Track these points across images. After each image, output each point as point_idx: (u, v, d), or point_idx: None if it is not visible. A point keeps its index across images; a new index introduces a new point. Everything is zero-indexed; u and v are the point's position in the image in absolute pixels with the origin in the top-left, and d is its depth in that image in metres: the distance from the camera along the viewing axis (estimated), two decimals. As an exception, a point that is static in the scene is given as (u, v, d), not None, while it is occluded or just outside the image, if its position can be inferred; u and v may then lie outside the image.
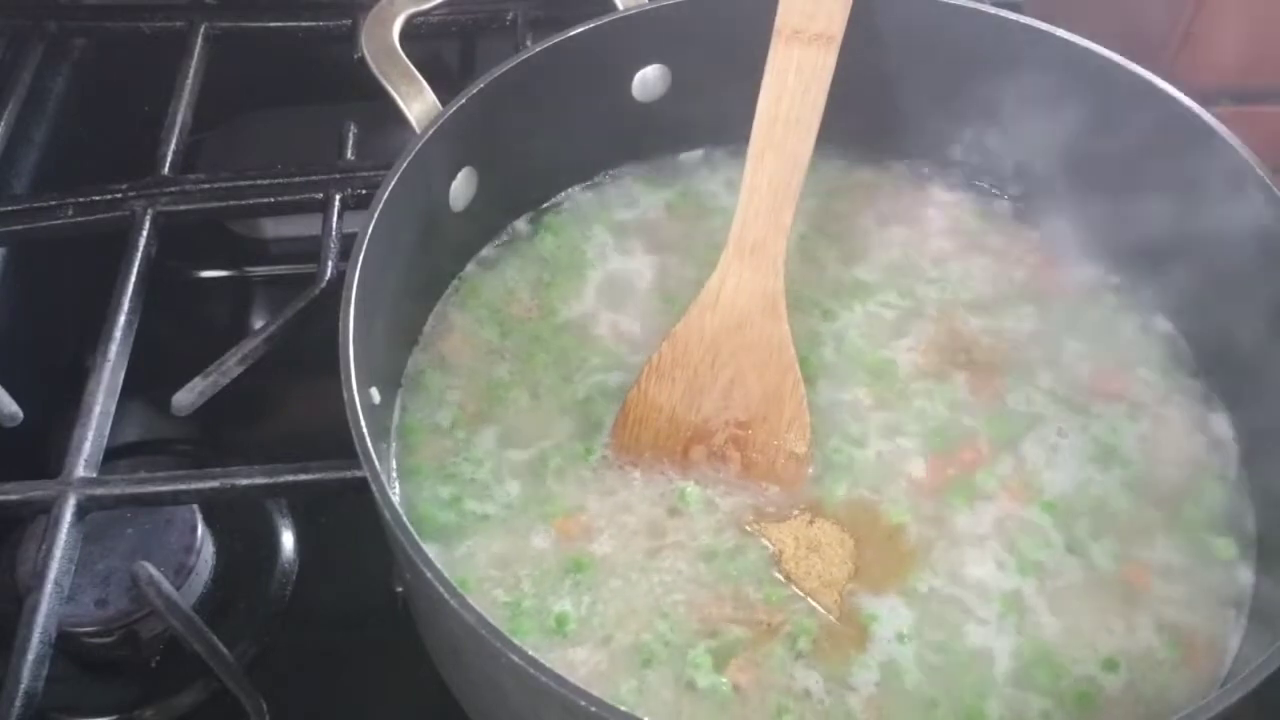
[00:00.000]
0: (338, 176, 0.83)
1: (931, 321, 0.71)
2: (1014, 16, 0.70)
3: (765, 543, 0.62)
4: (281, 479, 0.67)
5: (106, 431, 0.69)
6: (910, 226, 0.76)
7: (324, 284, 0.76)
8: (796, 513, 0.63)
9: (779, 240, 0.65)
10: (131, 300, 0.75)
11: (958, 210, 0.77)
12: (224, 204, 0.83)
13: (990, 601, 0.60)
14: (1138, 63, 0.67)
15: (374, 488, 0.52)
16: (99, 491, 0.66)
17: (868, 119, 0.76)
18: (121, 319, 0.73)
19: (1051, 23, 0.69)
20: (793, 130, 0.66)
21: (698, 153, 0.78)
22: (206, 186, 0.82)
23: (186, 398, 0.69)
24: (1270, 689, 0.49)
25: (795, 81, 0.66)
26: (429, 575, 0.49)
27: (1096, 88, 0.68)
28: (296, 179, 0.83)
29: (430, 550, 0.50)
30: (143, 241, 0.78)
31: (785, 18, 0.67)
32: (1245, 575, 0.62)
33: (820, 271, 0.74)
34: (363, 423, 0.53)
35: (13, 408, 0.71)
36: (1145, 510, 0.64)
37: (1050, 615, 0.60)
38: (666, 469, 0.64)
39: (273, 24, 0.96)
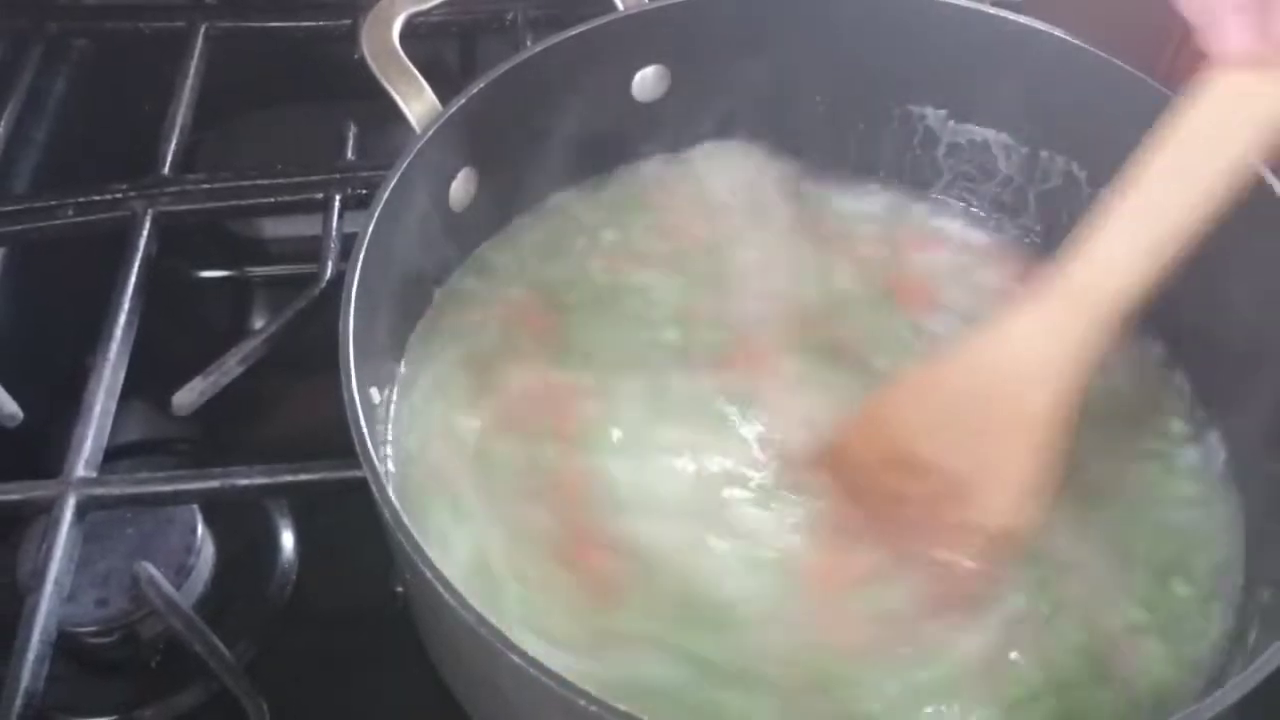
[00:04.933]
0: (338, 176, 0.83)
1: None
2: (1013, 16, 0.70)
3: None
4: (281, 479, 0.67)
5: (107, 431, 0.69)
6: None
7: (324, 284, 0.76)
8: None
9: (1105, 301, 0.53)
10: (131, 300, 0.75)
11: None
12: (224, 204, 0.83)
13: None
14: (1136, 64, 0.67)
15: (374, 488, 0.52)
16: (99, 491, 0.66)
17: (862, 118, 0.77)
18: (121, 319, 0.73)
19: (1050, 23, 0.69)
20: (1194, 180, 0.53)
21: (698, 153, 0.78)
22: (206, 186, 0.82)
23: (187, 397, 0.69)
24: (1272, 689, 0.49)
25: (1227, 118, 0.53)
26: (429, 575, 0.49)
27: (1095, 88, 0.68)
28: (296, 179, 0.83)
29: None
30: (143, 241, 0.78)
31: (1226, 78, 0.54)
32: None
33: None
34: (363, 423, 0.53)
35: (12, 407, 0.71)
36: None
37: None
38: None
39: (273, 24, 0.96)
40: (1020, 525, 0.56)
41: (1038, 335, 0.55)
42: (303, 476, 0.66)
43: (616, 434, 0.65)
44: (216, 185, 0.83)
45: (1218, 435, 0.65)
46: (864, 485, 0.59)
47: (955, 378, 0.58)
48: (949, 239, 0.76)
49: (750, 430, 0.63)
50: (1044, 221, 0.76)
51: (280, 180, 0.83)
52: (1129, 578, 0.60)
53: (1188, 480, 0.64)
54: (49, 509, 0.65)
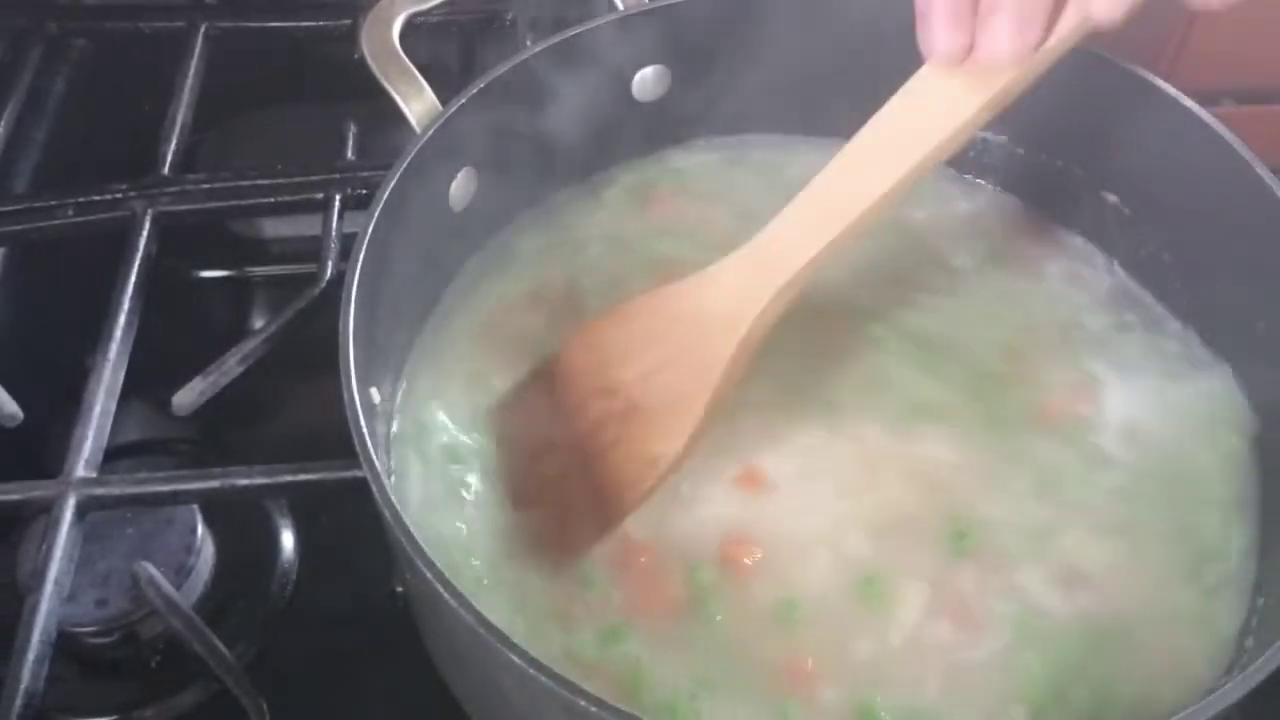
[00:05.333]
0: (338, 176, 0.83)
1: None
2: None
3: None
4: (281, 479, 0.67)
5: (107, 431, 0.69)
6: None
7: (324, 284, 0.76)
8: None
9: (792, 265, 0.59)
10: (131, 300, 0.75)
11: None
12: (224, 204, 0.83)
13: None
14: (1137, 62, 0.67)
15: (374, 488, 0.52)
16: (99, 491, 0.66)
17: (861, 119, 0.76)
18: (121, 319, 0.73)
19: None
20: (886, 161, 0.59)
21: (698, 153, 0.78)
22: (206, 186, 0.82)
23: (187, 397, 0.69)
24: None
25: (923, 114, 0.59)
26: (429, 575, 0.49)
27: (1095, 87, 0.68)
28: (297, 179, 0.83)
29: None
30: (143, 241, 0.78)
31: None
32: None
33: None
34: (363, 423, 0.53)
35: (13, 407, 0.71)
36: None
37: None
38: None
39: (273, 24, 0.96)
40: (675, 454, 0.60)
41: (733, 288, 0.61)
42: (303, 476, 0.66)
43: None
44: (216, 185, 0.83)
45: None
46: (573, 399, 0.64)
47: (661, 312, 0.63)
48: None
49: None
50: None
51: (280, 180, 0.83)
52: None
53: None
54: (49, 509, 0.65)
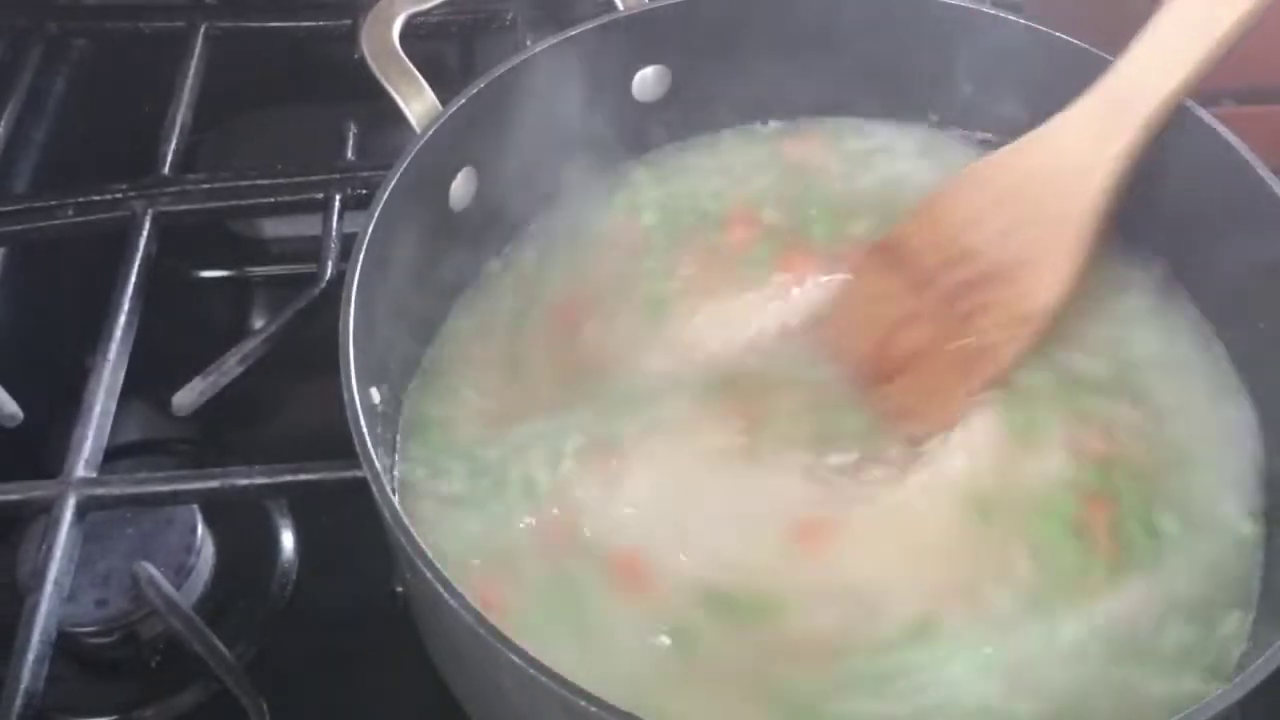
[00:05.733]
0: (338, 176, 0.83)
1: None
2: (1013, 18, 0.70)
3: None
4: (281, 479, 0.67)
5: (106, 431, 0.70)
6: None
7: (324, 284, 0.76)
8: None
9: (1149, 103, 0.57)
10: (131, 300, 0.75)
11: None
12: (224, 204, 0.83)
13: None
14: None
15: (374, 488, 0.52)
16: (99, 491, 0.66)
17: (861, 119, 0.77)
18: (121, 319, 0.73)
19: (1051, 25, 0.69)
20: None
21: (698, 153, 0.78)
22: (206, 186, 0.82)
23: (187, 397, 0.69)
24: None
25: None
26: (429, 575, 0.49)
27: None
28: (297, 179, 0.83)
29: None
30: (143, 241, 0.78)
31: None
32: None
33: None
34: (363, 423, 0.53)
35: (12, 407, 0.71)
36: None
37: None
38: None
39: (273, 24, 0.96)
40: (1054, 304, 0.60)
41: (1087, 132, 0.59)
42: (303, 476, 0.66)
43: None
44: (216, 185, 0.83)
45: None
46: (917, 274, 0.63)
47: (1008, 172, 0.61)
48: None
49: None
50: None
51: (280, 180, 0.83)
52: None
53: None
54: (49, 509, 0.65)
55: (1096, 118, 0.59)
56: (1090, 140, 0.59)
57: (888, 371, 0.63)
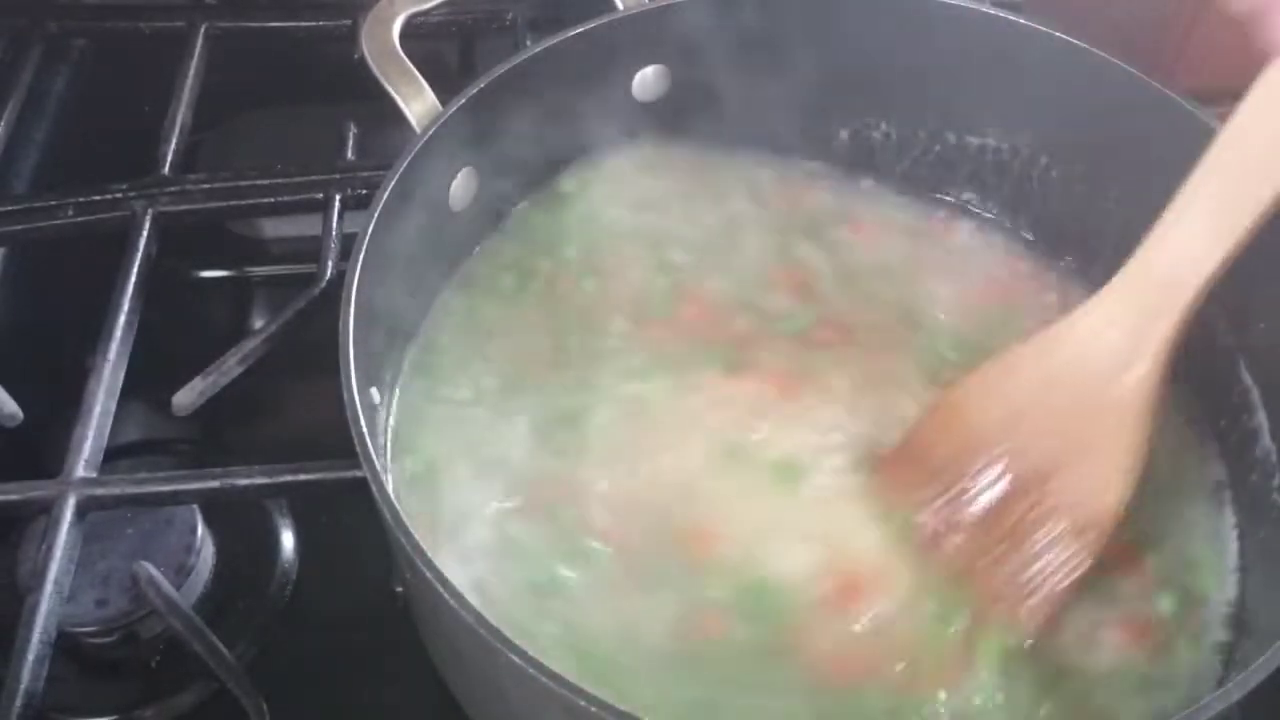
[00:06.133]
0: (338, 176, 0.83)
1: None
2: (1013, 17, 0.70)
3: None
4: (281, 479, 0.67)
5: (106, 431, 0.69)
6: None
7: (324, 284, 0.76)
8: None
9: (1193, 283, 0.53)
10: (131, 300, 0.75)
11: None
12: (224, 204, 0.83)
13: None
14: (1137, 64, 0.67)
15: (374, 488, 0.52)
16: (99, 491, 0.66)
17: (862, 119, 0.77)
18: (121, 319, 0.73)
19: (1050, 24, 0.69)
20: (1266, 167, 0.53)
21: (698, 153, 0.78)
22: (206, 186, 0.82)
23: (187, 397, 0.69)
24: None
25: None
26: (429, 575, 0.49)
27: (1095, 89, 0.68)
28: (296, 179, 0.83)
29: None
30: (143, 241, 0.78)
31: None
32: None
33: None
34: (363, 423, 0.53)
35: (12, 407, 0.71)
36: None
37: None
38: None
39: (273, 24, 0.96)
40: (1117, 503, 0.55)
41: (1123, 323, 0.55)
42: (303, 476, 0.66)
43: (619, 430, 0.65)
44: (216, 185, 0.83)
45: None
46: (937, 497, 0.58)
47: (1035, 367, 0.57)
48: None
49: None
50: (1042, 223, 0.76)
51: (280, 180, 0.83)
52: None
53: None
54: (49, 509, 0.65)
55: (1133, 301, 0.55)
56: (1129, 328, 0.55)
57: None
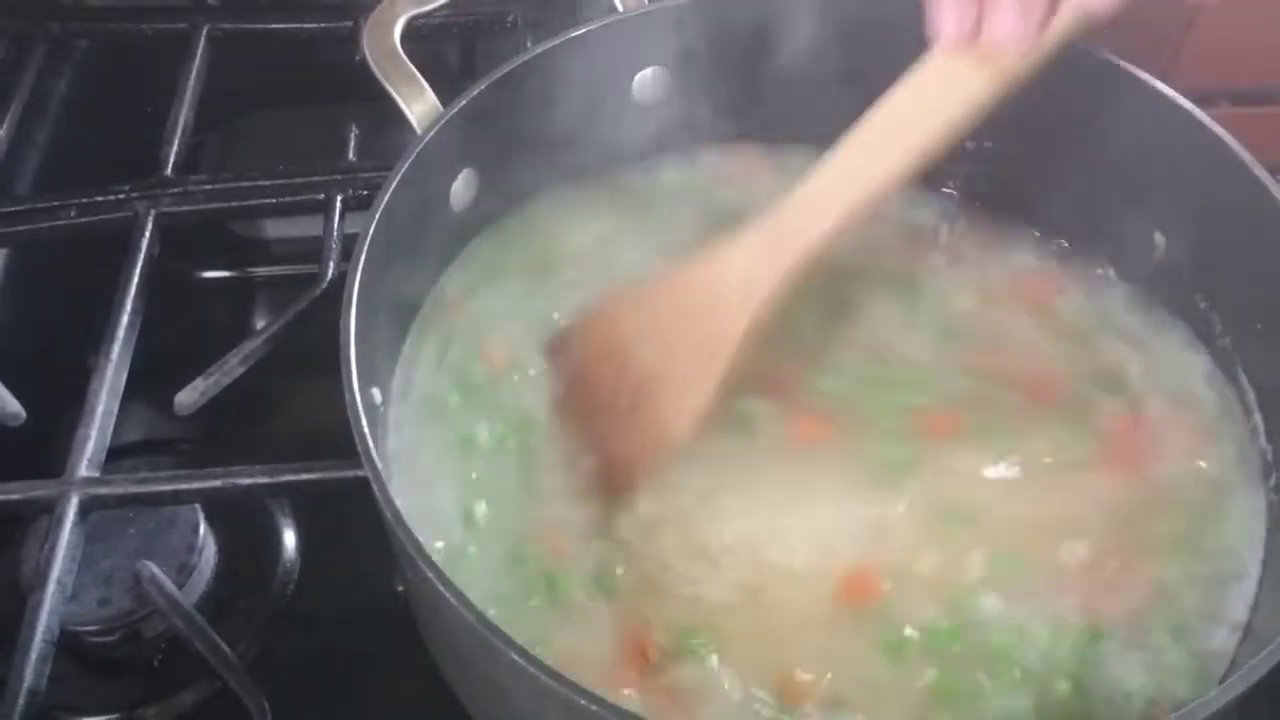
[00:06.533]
0: (339, 177, 0.83)
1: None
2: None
3: None
4: (283, 478, 0.67)
5: (109, 431, 0.70)
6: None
7: (325, 284, 0.76)
8: None
9: (802, 242, 0.61)
10: (134, 300, 0.75)
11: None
12: (226, 205, 0.83)
13: None
14: (1136, 63, 0.67)
15: (375, 488, 0.52)
16: (102, 491, 0.67)
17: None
18: (124, 319, 0.74)
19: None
20: (897, 143, 0.61)
21: (698, 154, 0.79)
22: (208, 187, 0.83)
23: (189, 397, 0.69)
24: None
25: (938, 95, 0.61)
26: (430, 575, 0.49)
27: (1094, 89, 0.68)
28: (298, 180, 0.83)
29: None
30: (145, 242, 0.78)
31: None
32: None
33: None
34: (364, 422, 0.53)
35: (15, 407, 0.71)
36: None
37: None
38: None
39: (275, 26, 0.96)
40: (684, 427, 0.62)
41: (741, 268, 0.62)
42: (304, 476, 0.66)
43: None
44: (218, 186, 0.83)
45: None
46: (583, 374, 0.66)
47: (669, 291, 0.64)
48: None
49: None
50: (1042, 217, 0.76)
51: (282, 181, 0.83)
52: None
53: None
54: (52, 508, 0.65)
55: (753, 252, 0.61)
56: (745, 275, 0.61)
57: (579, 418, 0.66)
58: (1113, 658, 0.58)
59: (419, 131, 0.65)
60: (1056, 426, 0.66)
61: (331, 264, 0.77)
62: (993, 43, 0.60)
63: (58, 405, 0.74)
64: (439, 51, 0.98)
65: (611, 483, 0.63)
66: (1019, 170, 0.75)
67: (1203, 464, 0.65)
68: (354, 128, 0.86)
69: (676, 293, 0.64)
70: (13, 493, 0.67)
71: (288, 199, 0.83)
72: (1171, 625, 0.60)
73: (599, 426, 0.64)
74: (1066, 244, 0.75)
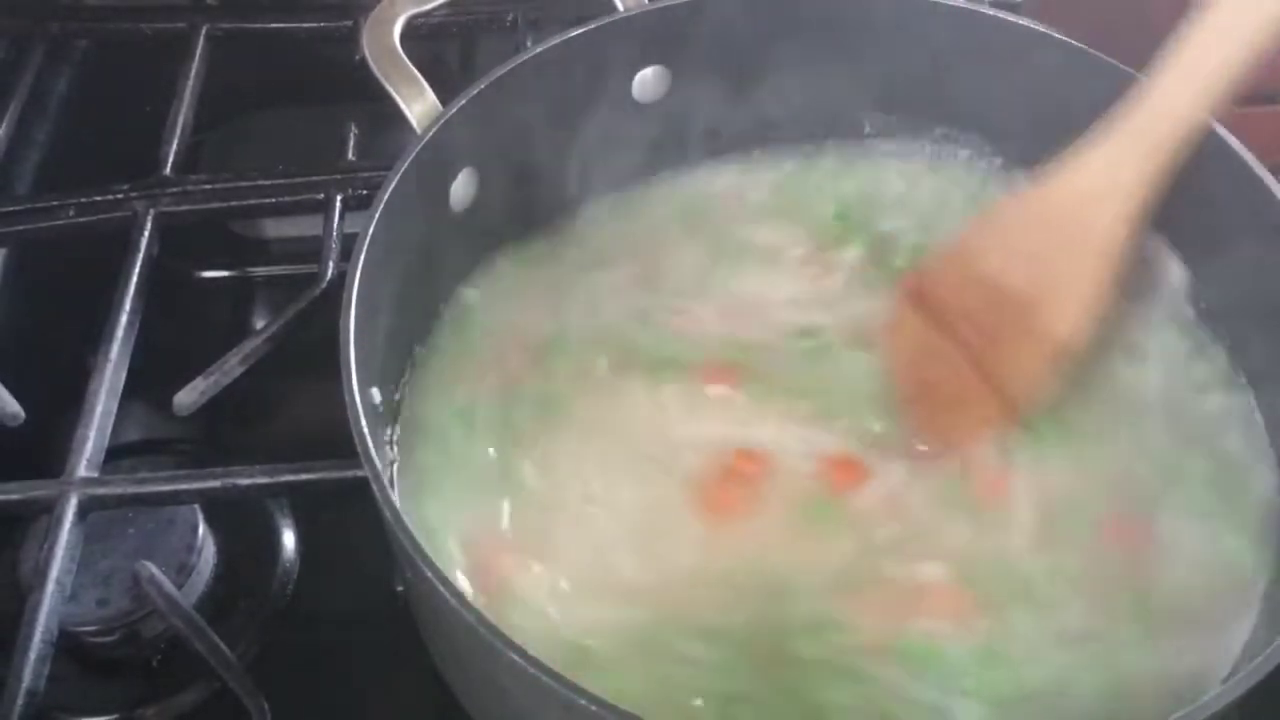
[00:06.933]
0: (339, 177, 0.83)
1: None
2: (1012, 18, 0.70)
3: None
4: (282, 479, 0.67)
5: (108, 431, 0.70)
6: None
7: (325, 284, 0.76)
8: None
9: (1179, 128, 0.59)
10: (133, 300, 0.75)
11: None
12: (225, 204, 0.83)
13: None
14: (1135, 65, 0.67)
15: (374, 488, 0.52)
16: (101, 491, 0.67)
17: (863, 123, 0.77)
18: (123, 319, 0.73)
19: (1049, 25, 0.69)
20: (1253, 22, 0.58)
21: (697, 154, 0.78)
22: (208, 187, 0.83)
23: (188, 397, 0.69)
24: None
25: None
26: (429, 575, 0.49)
27: (1094, 90, 0.68)
28: (298, 179, 0.83)
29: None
30: (144, 242, 0.78)
31: None
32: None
33: None
34: (363, 423, 0.53)
35: (14, 407, 0.71)
36: None
37: None
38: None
39: (274, 25, 0.96)
40: (1079, 338, 0.62)
41: (1107, 164, 0.61)
42: (304, 476, 0.66)
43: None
44: (218, 186, 0.83)
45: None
46: (945, 311, 0.65)
47: (1035, 204, 0.63)
48: None
49: None
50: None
51: (281, 181, 0.83)
52: None
53: None
54: (50, 509, 0.65)
55: (1122, 146, 0.61)
56: (1116, 168, 0.61)
57: (914, 394, 0.65)
58: None
59: (419, 131, 0.65)
60: None
61: (331, 264, 0.77)
62: None
63: (57, 405, 0.74)
64: (439, 51, 0.98)
65: (1000, 405, 0.62)
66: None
67: None
68: (354, 128, 0.86)
69: (1037, 211, 0.63)
70: (12, 493, 0.67)
71: (287, 199, 0.83)
72: None
73: (960, 378, 0.64)
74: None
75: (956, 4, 0.71)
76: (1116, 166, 0.61)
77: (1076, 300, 0.62)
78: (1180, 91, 0.60)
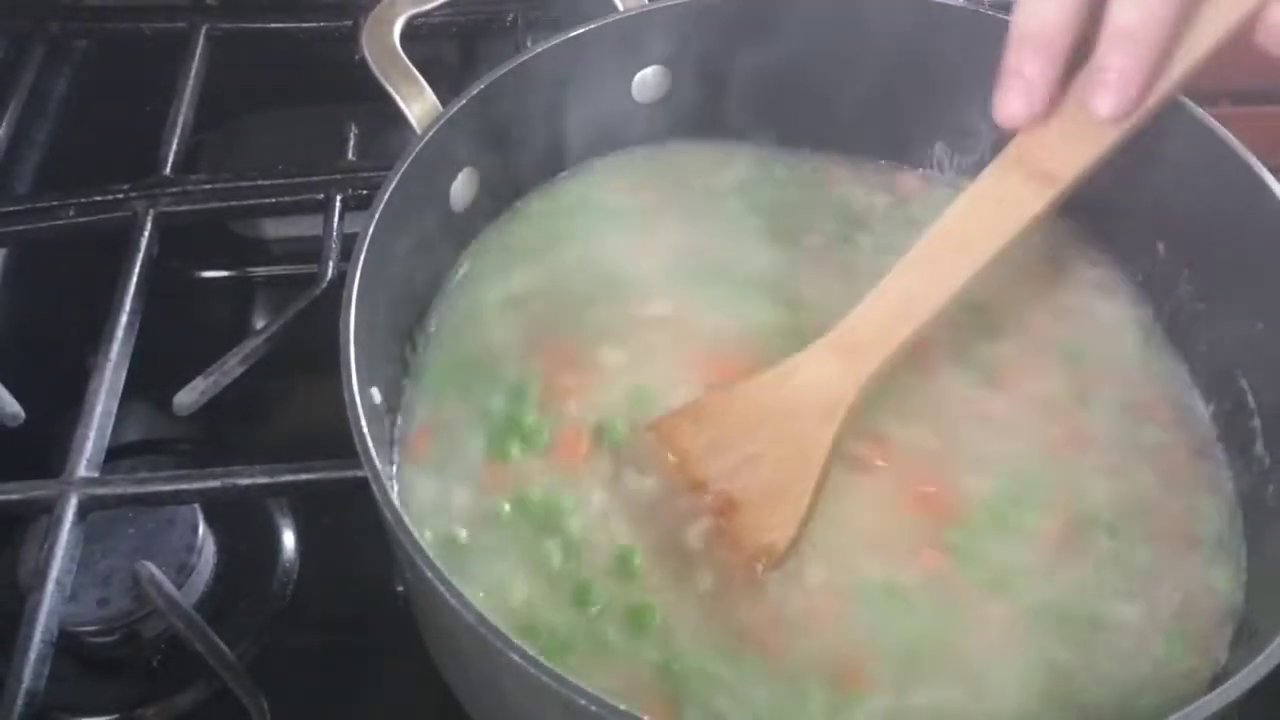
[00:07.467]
0: (339, 177, 0.83)
1: None
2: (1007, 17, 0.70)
3: None
4: (282, 478, 0.67)
5: (108, 431, 0.70)
6: None
7: (325, 284, 0.76)
8: None
9: (877, 355, 0.61)
10: (133, 300, 0.75)
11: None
12: (225, 204, 0.83)
13: None
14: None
15: (374, 488, 0.52)
16: (101, 491, 0.67)
17: (853, 121, 0.77)
18: (123, 319, 0.74)
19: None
20: (959, 258, 0.61)
21: (697, 154, 0.78)
22: (208, 187, 0.83)
23: (188, 397, 0.69)
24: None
25: (992, 212, 0.62)
26: (429, 575, 0.49)
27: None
28: (298, 179, 0.83)
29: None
30: (144, 242, 0.78)
31: (1021, 147, 0.63)
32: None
33: None
34: (363, 423, 0.53)
35: (14, 407, 0.71)
36: None
37: None
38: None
39: (274, 25, 0.96)
40: (782, 544, 0.59)
41: (821, 378, 0.62)
42: (304, 476, 0.66)
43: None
44: (218, 185, 0.83)
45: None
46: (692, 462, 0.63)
47: (743, 406, 0.63)
48: None
49: None
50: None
51: (281, 181, 0.83)
52: None
53: None
54: (51, 509, 0.65)
55: (831, 362, 0.62)
56: (825, 384, 0.61)
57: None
58: None
59: (419, 131, 0.65)
60: None
61: (331, 264, 0.77)
62: (1092, 116, 0.61)
63: (57, 405, 0.74)
64: (439, 51, 0.98)
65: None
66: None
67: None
68: (353, 127, 0.86)
69: (748, 409, 0.62)
70: (12, 493, 0.67)
71: (287, 199, 0.83)
72: None
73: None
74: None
75: (958, 5, 0.71)
76: (828, 384, 0.61)
77: (789, 509, 0.60)
78: (879, 330, 0.61)
